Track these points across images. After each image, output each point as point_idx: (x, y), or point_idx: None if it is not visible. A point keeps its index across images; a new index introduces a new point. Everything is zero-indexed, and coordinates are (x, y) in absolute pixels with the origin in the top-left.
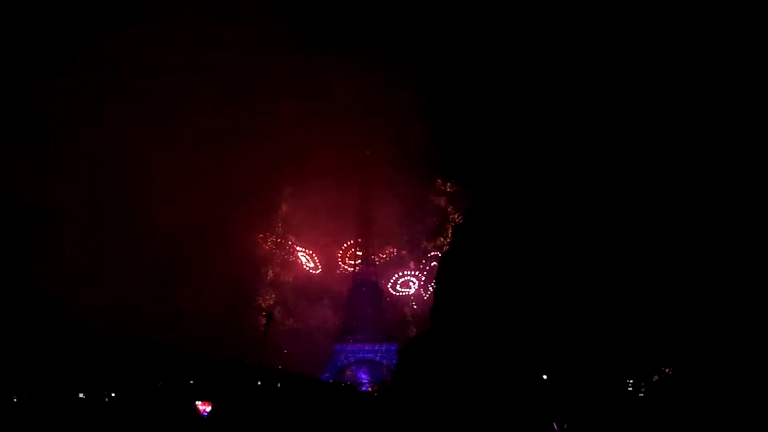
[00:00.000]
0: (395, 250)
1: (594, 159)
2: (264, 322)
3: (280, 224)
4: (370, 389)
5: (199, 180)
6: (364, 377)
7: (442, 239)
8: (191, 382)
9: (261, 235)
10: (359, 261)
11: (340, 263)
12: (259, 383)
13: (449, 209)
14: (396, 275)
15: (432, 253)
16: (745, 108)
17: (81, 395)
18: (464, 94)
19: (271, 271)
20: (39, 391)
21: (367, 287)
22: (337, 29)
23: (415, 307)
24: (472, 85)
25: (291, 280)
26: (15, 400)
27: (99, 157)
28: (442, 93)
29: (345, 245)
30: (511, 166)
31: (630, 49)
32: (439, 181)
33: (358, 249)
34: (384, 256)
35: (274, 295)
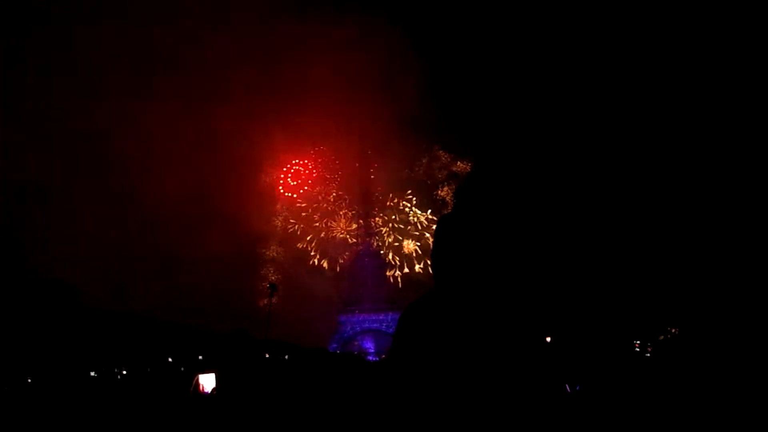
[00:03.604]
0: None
1: (601, 123)
2: (268, 294)
3: (281, 200)
4: (377, 358)
5: (195, 155)
6: (371, 347)
7: (444, 211)
8: (200, 357)
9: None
10: (360, 231)
11: (341, 233)
12: (267, 356)
13: (450, 183)
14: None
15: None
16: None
17: (93, 374)
18: (463, 52)
19: (272, 247)
20: (52, 371)
21: (369, 257)
22: None
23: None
24: (472, 43)
25: (291, 253)
26: (29, 380)
27: (95, 134)
28: (440, 53)
29: (344, 214)
30: (514, 127)
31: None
32: (442, 153)
33: (359, 219)
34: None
35: (274, 270)
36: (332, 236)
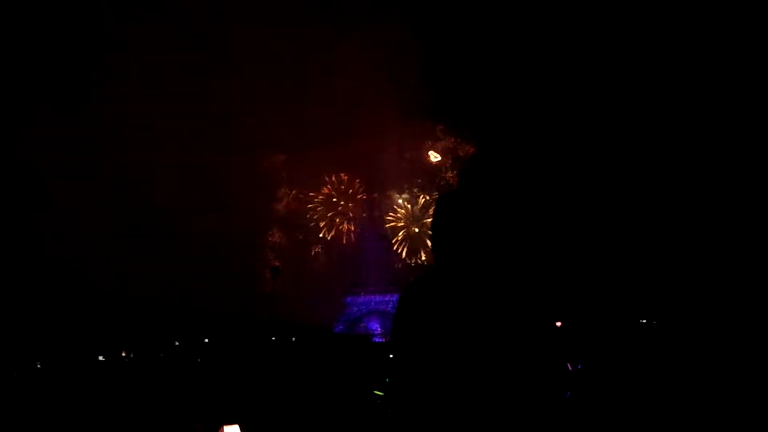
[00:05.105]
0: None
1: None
2: (271, 277)
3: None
4: (383, 339)
5: (197, 138)
6: (377, 328)
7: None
8: (206, 340)
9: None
10: (365, 213)
11: (347, 216)
12: (273, 339)
13: (454, 167)
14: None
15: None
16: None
17: (101, 358)
18: (466, 36)
19: (274, 232)
20: (61, 356)
21: (374, 239)
22: None
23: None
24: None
25: (294, 236)
26: (39, 366)
27: (99, 120)
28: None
29: (350, 194)
30: (518, 110)
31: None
32: (446, 136)
33: (363, 200)
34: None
35: (277, 254)
36: (336, 219)
